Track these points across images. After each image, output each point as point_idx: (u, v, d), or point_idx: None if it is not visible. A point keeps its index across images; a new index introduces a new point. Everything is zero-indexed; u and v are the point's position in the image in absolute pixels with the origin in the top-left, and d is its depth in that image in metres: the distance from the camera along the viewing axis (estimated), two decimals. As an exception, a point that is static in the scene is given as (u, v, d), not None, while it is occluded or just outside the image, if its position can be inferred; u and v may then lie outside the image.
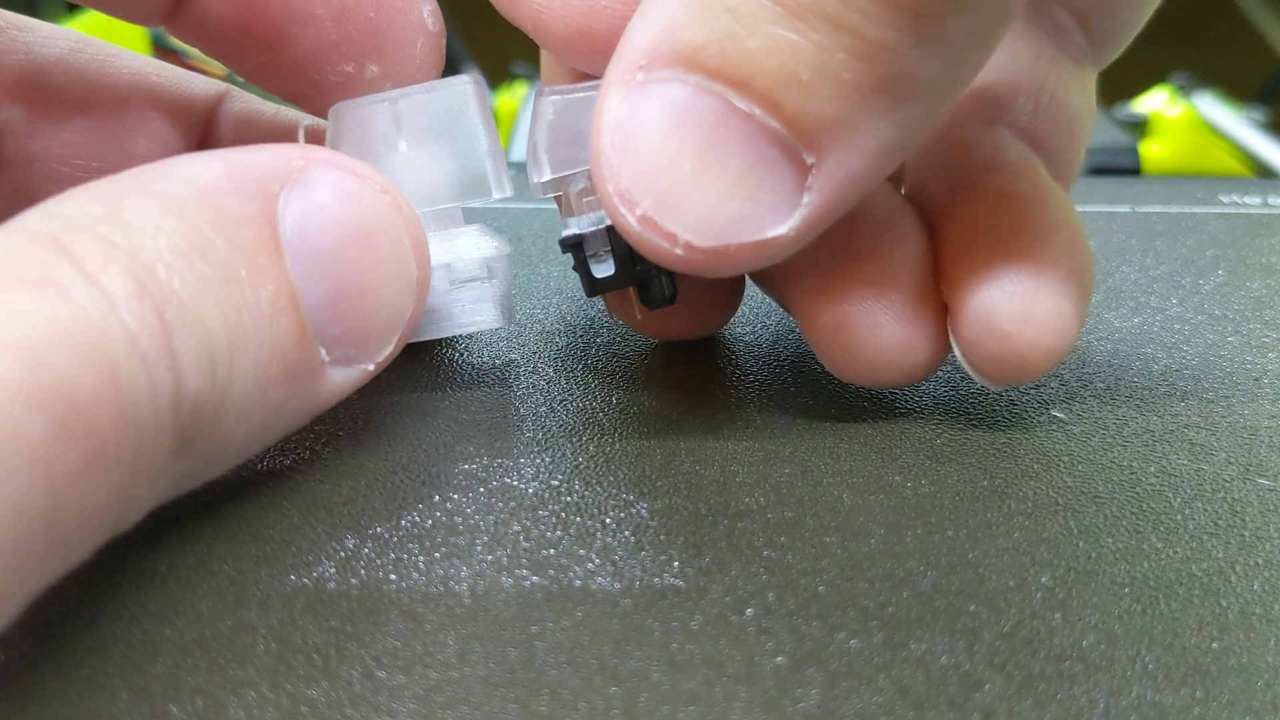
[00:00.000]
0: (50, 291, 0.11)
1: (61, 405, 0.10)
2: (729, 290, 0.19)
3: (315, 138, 0.17)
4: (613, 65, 0.14)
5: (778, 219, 0.13)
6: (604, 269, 0.16)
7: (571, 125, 0.15)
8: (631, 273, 0.16)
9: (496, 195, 0.16)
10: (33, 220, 0.11)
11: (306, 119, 0.19)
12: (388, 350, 0.15)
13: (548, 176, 0.15)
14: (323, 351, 0.14)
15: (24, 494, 0.10)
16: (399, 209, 0.14)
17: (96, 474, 0.11)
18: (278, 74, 0.17)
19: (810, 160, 0.13)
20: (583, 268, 0.16)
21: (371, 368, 0.14)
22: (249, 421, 0.13)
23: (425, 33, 0.18)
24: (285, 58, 0.17)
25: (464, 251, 0.17)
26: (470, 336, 0.20)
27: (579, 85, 0.15)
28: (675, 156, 0.13)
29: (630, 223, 0.13)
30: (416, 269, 0.15)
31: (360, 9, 0.17)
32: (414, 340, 0.17)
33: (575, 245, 0.16)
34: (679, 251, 0.13)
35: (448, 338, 0.20)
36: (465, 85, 0.16)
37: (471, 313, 0.17)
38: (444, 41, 0.18)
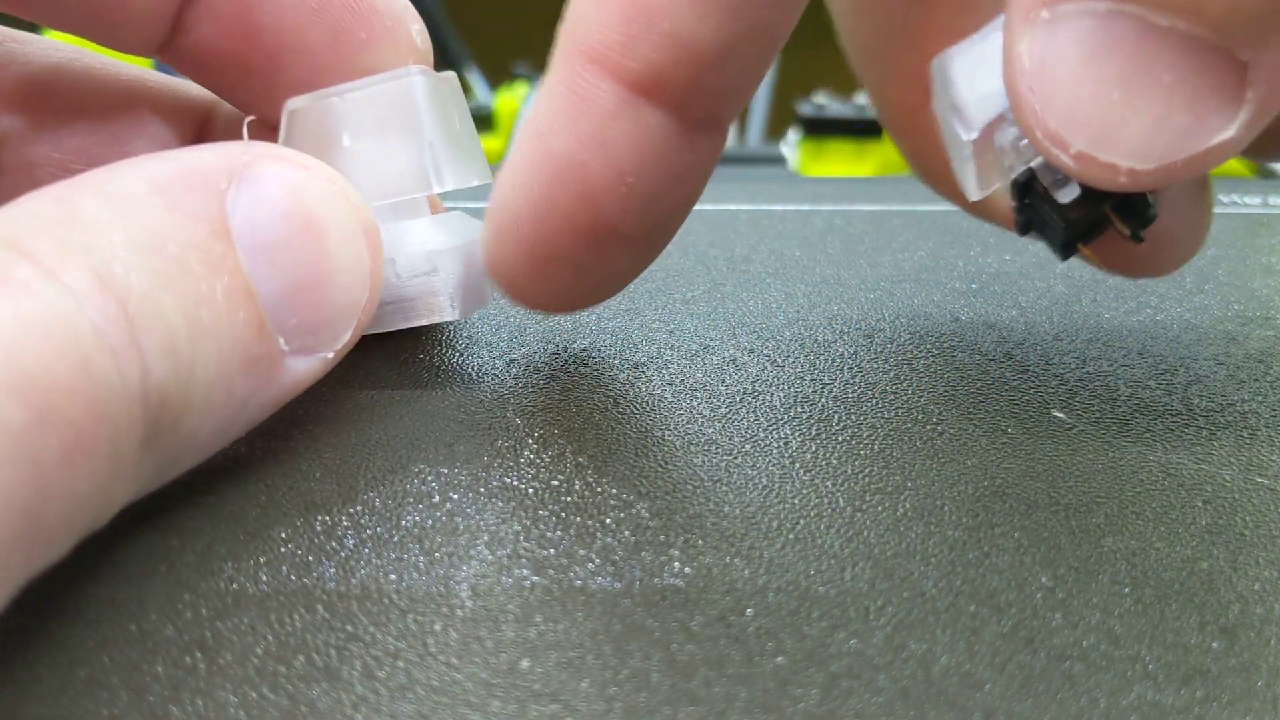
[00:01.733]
0: (12, 288, 0.11)
1: (39, 395, 0.10)
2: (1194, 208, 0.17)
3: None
4: (1011, 6, 0.13)
5: (1222, 123, 0.13)
6: (1068, 192, 0.15)
7: (976, 76, 0.15)
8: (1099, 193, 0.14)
9: (436, 189, 0.17)
10: None
11: (253, 115, 0.19)
12: (345, 338, 0.15)
13: (976, 133, 0.15)
14: (281, 341, 0.14)
15: (8, 483, 0.10)
16: (346, 198, 0.15)
17: (77, 464, 0.11)
18: (268, 101, 0.18)
19: (1246, 56, 0.13)
20: (1045, 203, 0.15)
21: (331, 355, 0.15)
22: (215, 414, 0.13)
23: (415, 51, 0.18)
24: (278, 84, 0.17)
25: (410, 245, 0.17)
26: (470, 335, 0.20)
27: (973, 37, 0.15)
28: (1100, 87, 0.13)
29: (1067, 162, 0.13)
30: (369, 257, 0.15)
31: (352, 32, 0.17)
32: (376, 331, 0.17)
33: (1028, 182, 0.15)
34: (1123, 179, 0.13)
35: (446, 336, 0.20)
36: (411, 77, 0.16)
37: (425, 305, 0.17)
38: (431, 59, 0.18)
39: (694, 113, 0.15)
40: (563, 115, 0.15)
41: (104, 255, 0.12)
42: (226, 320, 0.13)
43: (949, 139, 0.15)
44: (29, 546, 0.11)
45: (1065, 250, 0.15)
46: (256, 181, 0.14)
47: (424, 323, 0.17)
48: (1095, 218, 0.15)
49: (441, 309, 0.17)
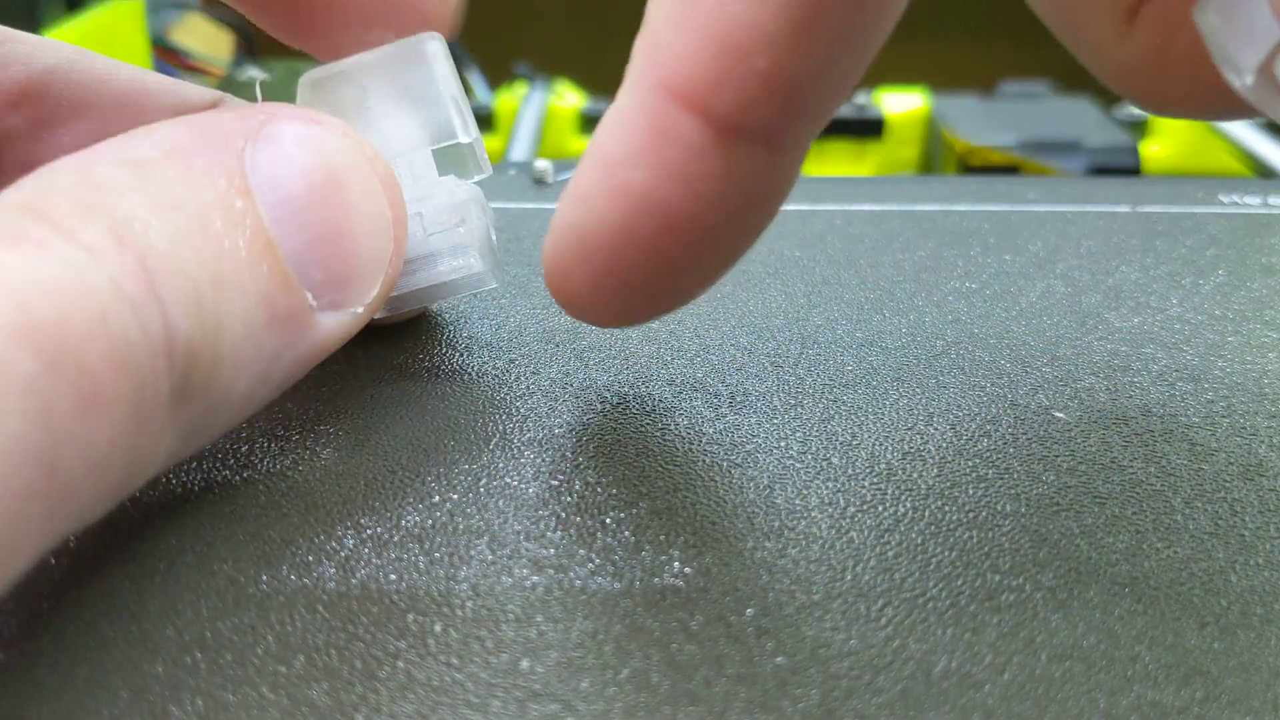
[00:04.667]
0: (28, 246, 0.11)
1: (50, 342, 0.10)
2: None
3: None
4: None
5: None
6: None
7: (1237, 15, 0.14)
8: None
9: (463, 138, 0.17)
10: (3, 194, 0.12)
11: (264, 77, 0.19)
12: (374, 292, 0.15)
13: (1251, 77, 0.14)
14: (309, 296, 0.14)
15: (19, 432, 0.10)
16: (363, 150, 0.15)
17: (96, 415, 0.11)
18: (297, 40, 0.17)
19: None
20: None
21: (361, 310, 0.15)
22: (247, 371, 0.13)
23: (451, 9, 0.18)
24: (302, 26, 0.17)
25: (436, 198, 0.17)
26: (470, 335, 0.20)
27: None
28: None
29: None
30: (390, 208, 0.15)
31: None
32: (408, 305, 0.17)
33: None
34: None
35: (446, 336, 0.19)
36: (428, 41, 0.17)
37: (453, 260, 0.17)
38: (458, 4, 0.18)
39: (781, 142, 0.15)
40: (643, 148, 0.14)
41: (122, 215, 0.12)
42: (250, 275, 0.13)
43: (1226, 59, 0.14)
44: (48, 499, 0.11)
45: None
46: (273, 139, 0.14)
47: (454, 282, 0.17)
48: None
49: (470, 262, 0.17)
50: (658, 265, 0.15)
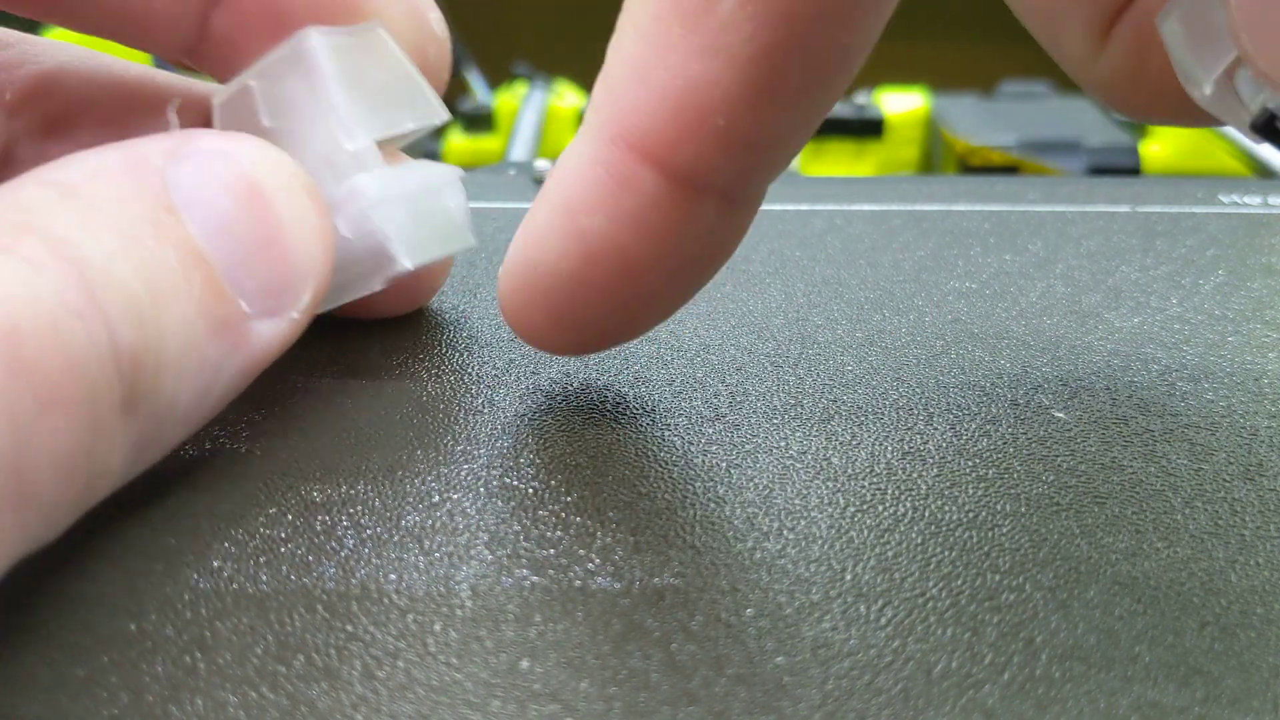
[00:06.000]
0: None
1: (5, 345, 0.11)
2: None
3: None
4: None
5: None
6: None
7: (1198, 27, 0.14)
8: None
9: (349, 146, 0.16)
10: None
11: (178, 99, 0.19)
12: (307, 297, 0.15)
13: (1210, 88, 0.14)
14: (244, 304, 0.14)
15: None
16: (281, 162, 0.15)
17: (56, 418, 0.11)
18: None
19: None
20: None
21: (297, 315, 0.15)
22: (192, 381, 0.13)
23: (434, 40, 0.18)
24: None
25: (346, 205, 0.17)
26: (470, 336, 0.20)
27: None
28: None
29: None
30: (316, 217, 0.15)
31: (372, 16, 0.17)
32: (353, 298, 0.17)
33: (1269, 121, 0.14)
34: None
35: (446, 336, 0.19)
36: (304, 41, 0.16)
37: (378, 261, 0.17)
38: (449, 46, 0.18)
39: (739, 194, 0.15)
40: (602, 196, 0.15)
41: (56, 233, 0.12)
42: (185, 286, 0.13)
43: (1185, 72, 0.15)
44: (17, 503, 0.11)
45: None
46: (193, 156, 0.14)
47: (383, 281, 0.17)
48: None
49: (395, 260, 0.17)
50: (612, 305, 0.15)
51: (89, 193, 0.13)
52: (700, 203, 0.15)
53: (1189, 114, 0.15)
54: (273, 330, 0.15)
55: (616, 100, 0.14)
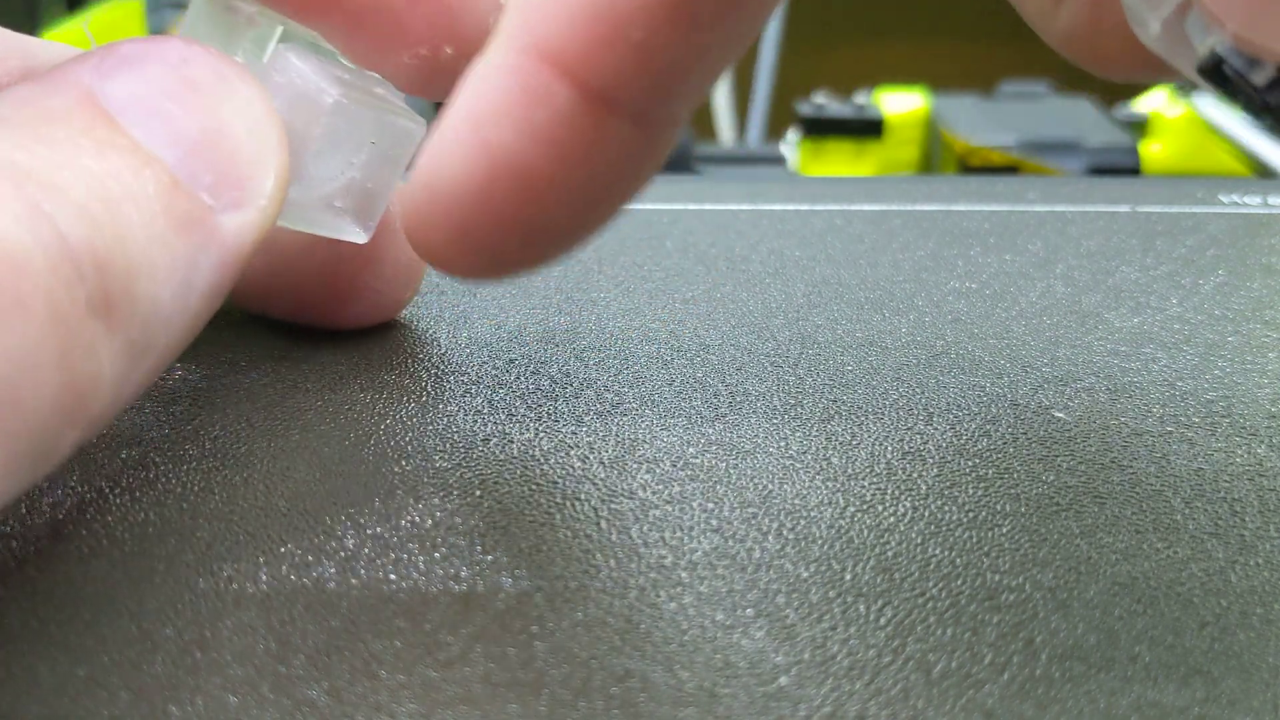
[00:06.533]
0: None
1: None
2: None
3: None
4: None
5: None
6: (1262, 73, 0.14)
7: None
8: None
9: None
10: None
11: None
12: (269, 184, 0.15)
13: (1158, 28, 0.14)
14: (206, 198, 0.14)
15: None
16: (209, 53, 0.15)
17: (12, 321, 0.11)
18: (353, 58, 0.17)
19: None
20: (1239, 84, 0.14)
21: (265, 202, 0.15)
22: (168, 279, 0.13)
23: (497, 6, 0.17)
24: (359, 43, 0.17)
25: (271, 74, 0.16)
26: (470, 336, 0.20)
27: None
28: None
29: (1229, 43, 0.13)
30: (258, 102, 0.15)
31: None
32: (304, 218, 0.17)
33: (1217, 65, 0.14)
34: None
35: (446, 337, 0.20)
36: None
37: (306, 109, 0.16)
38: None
39: (652, 116, 0.15)
40: (511, 108, 0.14)
41: None
42: (138, 187, 0.13)
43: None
44: None
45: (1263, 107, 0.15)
46: (119, 66, 0.14)
47: (346, 201, 0.17)
48: None
49: (325, 91, 0.16)
50: (517, 228, 0.15)
51: (20, 117, 0.13)
52: (612, 122, 0.14)
53: (1148, 67, 0.15)
54: (243, 221, 0.14)
55: (531, 8, 0.14)
